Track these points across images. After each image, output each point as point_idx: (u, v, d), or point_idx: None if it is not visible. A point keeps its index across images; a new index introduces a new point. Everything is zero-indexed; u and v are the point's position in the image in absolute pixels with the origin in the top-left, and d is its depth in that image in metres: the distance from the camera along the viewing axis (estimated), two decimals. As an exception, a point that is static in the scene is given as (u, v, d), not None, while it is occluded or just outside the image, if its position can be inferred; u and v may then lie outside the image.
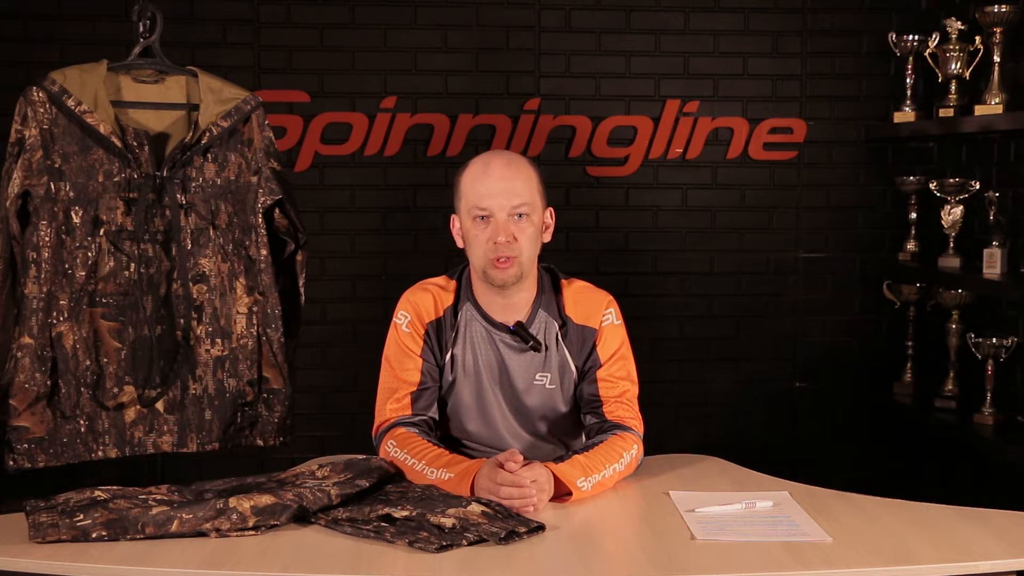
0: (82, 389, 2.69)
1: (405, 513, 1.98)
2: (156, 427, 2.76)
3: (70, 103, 2.63)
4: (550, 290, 2.43)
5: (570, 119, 4.00)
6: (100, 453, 2.72)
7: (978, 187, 3.60)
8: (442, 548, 1.88)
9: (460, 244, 2.41)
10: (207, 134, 2.73)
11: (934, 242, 3.82)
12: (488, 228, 2.31)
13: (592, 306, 2.43)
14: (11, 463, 2.66)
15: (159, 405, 2.76)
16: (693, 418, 4.10)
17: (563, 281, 2.46)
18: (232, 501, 1.99)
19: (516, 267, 2.32)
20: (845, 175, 4.09)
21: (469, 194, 2.34)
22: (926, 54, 3.76)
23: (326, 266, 3.97)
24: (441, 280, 2.46)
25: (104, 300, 2.71)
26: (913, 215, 3.93)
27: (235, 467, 2.95)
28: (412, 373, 2.38)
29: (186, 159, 2.73)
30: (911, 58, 3.85)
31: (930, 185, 3.69)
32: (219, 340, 2.79)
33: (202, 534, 1.96)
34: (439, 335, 2.41)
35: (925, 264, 3.81)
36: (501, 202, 2.30)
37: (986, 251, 3.43)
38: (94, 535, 1.93)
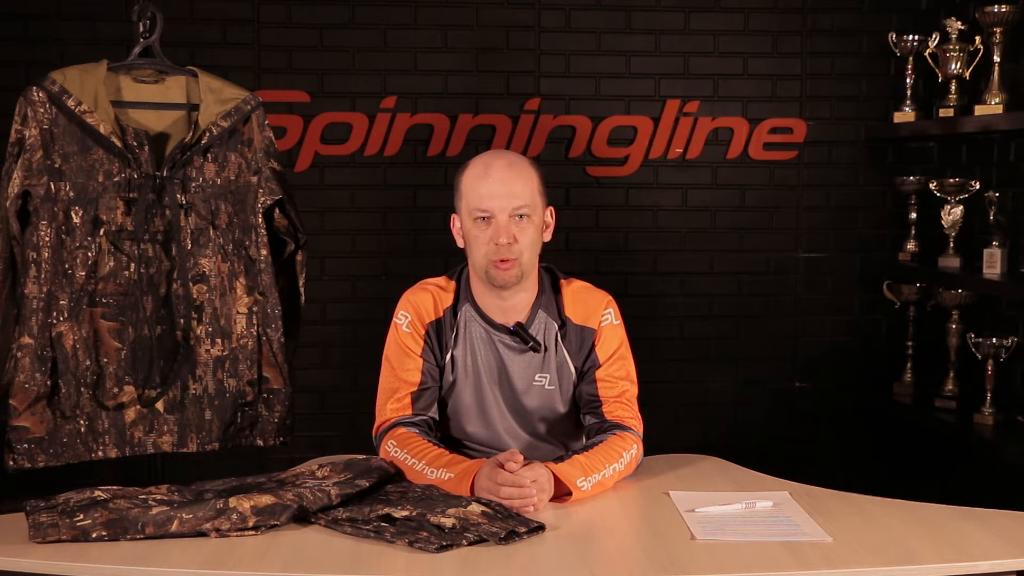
0: (82, 389, 2.69)
1: (405, 513, 1.98)
2: (156, 427, 2.76)
3: (70, 103, 2.63)
4: (549, 290, 2.43)
5: (570, 119, 4.00)
6: (100, 453, 2.72)
7: (978, 187, 3.60)
8: (442, 548, 1.88)
9: (460, 244, 2.41)
10: (207, 134, 2.73)
11: (934, 242, 3.82)
12: (489, 229, 2.31)
13: (591, 306, 2.43)
14: (11, 463, 2.65)
15: (159, 405, 2.76)
16: (693, 418, 4.10)
17: (562, 281, 2.46)
18: (232, 501, 1.99)
19: (517, 268, 2.32)
20: (845, 175, 4.09)
21: (470, 195, 2.34)
22: (926, 54, 3.76)
23: (326, 266, 3.96)
24: (441, 280, 2.46)
25: (104, 300, 2.71)
26: (913, 215, 3.92)
27: (235, 467, 2.95)
28: (412, 373, 2.38)
29: (186, 159, 2.73)
30: (911, 58, 3.85)
31: (930, 185, 3.69)
32: (219, 340, 2.79)
33: (202, 534, 1.96)
34: (439, 335, 2.41)
35: (925, 264, 3.81)
36: (502, 204, 2.30)
37: (986, 251, 3.43)
38: (94, 535, 1.93)
